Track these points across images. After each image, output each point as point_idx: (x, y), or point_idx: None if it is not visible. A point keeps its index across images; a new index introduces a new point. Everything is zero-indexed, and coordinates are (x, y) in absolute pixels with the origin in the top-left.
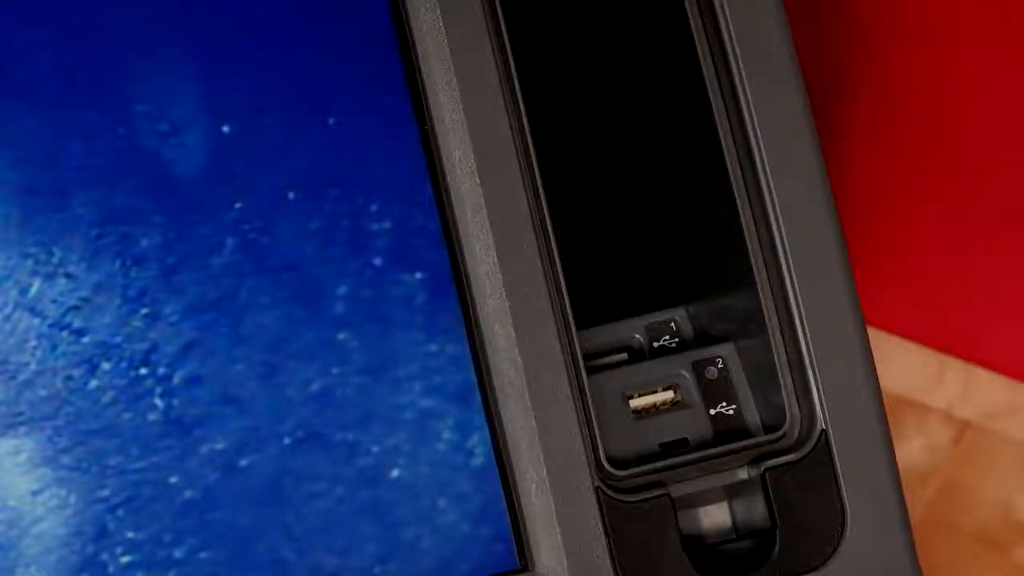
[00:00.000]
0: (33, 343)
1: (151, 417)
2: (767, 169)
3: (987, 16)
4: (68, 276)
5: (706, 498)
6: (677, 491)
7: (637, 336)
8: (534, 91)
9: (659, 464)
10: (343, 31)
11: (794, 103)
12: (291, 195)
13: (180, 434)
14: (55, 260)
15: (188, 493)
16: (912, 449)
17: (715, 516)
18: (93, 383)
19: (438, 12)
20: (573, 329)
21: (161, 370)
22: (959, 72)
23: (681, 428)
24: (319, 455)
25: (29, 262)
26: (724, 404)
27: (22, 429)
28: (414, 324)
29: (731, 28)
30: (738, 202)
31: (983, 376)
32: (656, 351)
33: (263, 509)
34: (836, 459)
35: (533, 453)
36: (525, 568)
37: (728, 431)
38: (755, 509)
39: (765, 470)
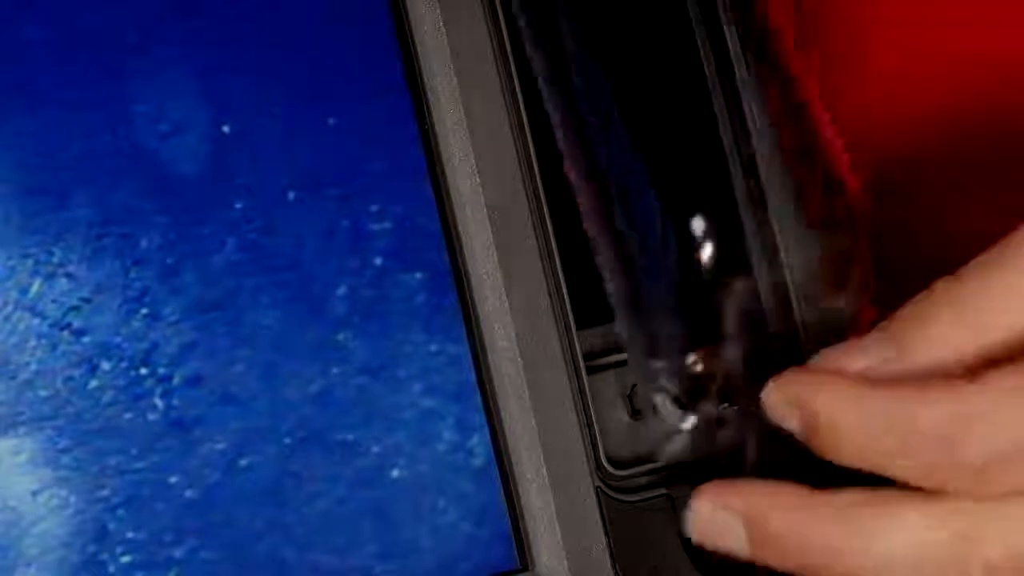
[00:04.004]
0: (33, 343)
1: (151, 417)
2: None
3: None
4: (68, 276)
5: None
6: (677, 491)
7: None
8: (534, 91)
9: (659, 464)
10: (343, 31)
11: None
12: (291, 195)
13: (180, 434)
14: (55, 260)
15: (188, 493)
16: None
17: None
18: (93, 383)
19: (438, 12)
20: (573, 329)
21: (161, 370)
22: None
23: None
24: (319, 455)
25: (29, 262)
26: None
27: (22, 429)
28: (414, 324)
29: (733, 29)
30: (739, 202)
31: None
32: None
33: (263, 509)
34: None
35: (533, 453)
36: (525, 568)
37: None
38: None
39: None
